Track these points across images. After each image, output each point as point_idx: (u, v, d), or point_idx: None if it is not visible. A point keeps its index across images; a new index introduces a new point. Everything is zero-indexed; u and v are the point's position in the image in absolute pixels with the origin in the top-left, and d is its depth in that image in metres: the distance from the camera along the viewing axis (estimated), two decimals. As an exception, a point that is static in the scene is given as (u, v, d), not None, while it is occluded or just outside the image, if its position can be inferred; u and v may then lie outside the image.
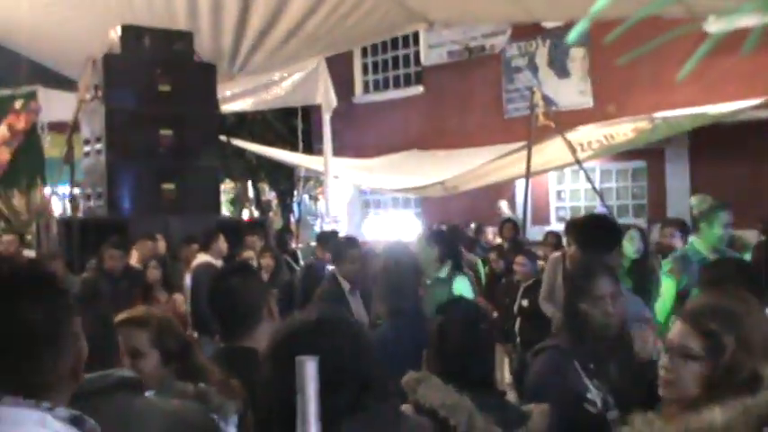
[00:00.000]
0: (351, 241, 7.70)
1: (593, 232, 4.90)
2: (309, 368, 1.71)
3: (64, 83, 14.37)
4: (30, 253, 10.82)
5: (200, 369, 3.22)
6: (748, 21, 1.72)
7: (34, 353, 1.82)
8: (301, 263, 12.55)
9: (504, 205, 16.67)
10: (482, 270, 10.62)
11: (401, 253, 5.15)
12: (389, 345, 4.10)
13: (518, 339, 8.84)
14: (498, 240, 13.13)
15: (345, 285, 6.98)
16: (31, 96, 15.19)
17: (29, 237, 13.01)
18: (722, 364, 2.61)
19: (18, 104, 15.17)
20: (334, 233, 12.91)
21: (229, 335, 3.64)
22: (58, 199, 16.17)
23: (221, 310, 3.68)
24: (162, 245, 10.25)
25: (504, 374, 9.54)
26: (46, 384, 1.84)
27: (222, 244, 9.85)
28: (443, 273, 6.90)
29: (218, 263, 9.74)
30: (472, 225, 14.74)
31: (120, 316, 3.34)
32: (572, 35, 2.92)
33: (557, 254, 7.36)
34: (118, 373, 2.61)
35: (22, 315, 1.82)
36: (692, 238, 6.84)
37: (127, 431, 2.30)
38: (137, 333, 3.25)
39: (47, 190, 14.82)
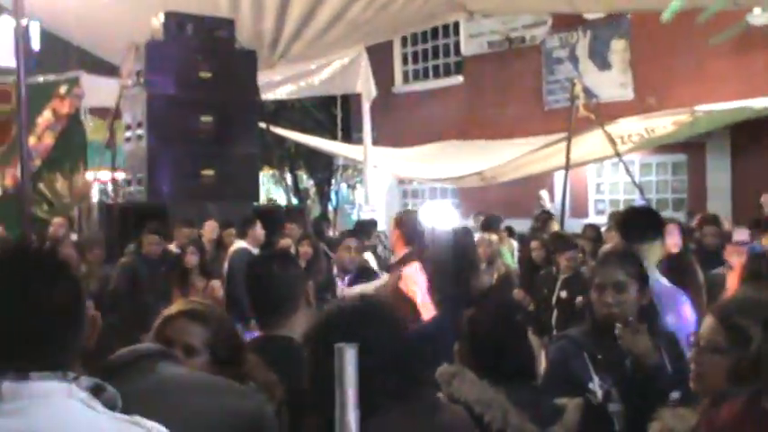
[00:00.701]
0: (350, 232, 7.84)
1: (634, 223, 4.91)
2: (349, 355, 1.73)
3: (107, 69, 14.50)
4: (73, 236, 10.94)
5: (243, 378, 3.01)
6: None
7: (63, 334, 1.92)
8: (338, 251, 12.58)
9: (545, 196, 16.59)
10: (510, 259, 10.55)
11: (454, 241, 5.09)
12: (442, 334, 4.06)
13: (554, 332, 8.76)
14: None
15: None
16: (75, 82, 15.36)
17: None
18: (749, 355, 2.61)
19: (62, 90, 15.35)
20: (373, 222, 12.95)
21: (266, 323, 3.59)
22: (99, 183, 16.32)
23: (259, 296, 3.64)
24: (212, 229, 10.35)
25: (540, 367, 9.49)
26: (69, 360, 1.93)
27: (259, 231, 9.89)
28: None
29: (255, 250, 9.80)
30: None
31: (179, 306, 3.15)
32: (667, 13, 2.95)
33: (610, 246, 7.32)
34: (155, 346, 2.62)
35: (53, 299, 1.91)
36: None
37: (164, 396, 2.33)
38: (195, 328, 3.01)
39: (88, 174, 14.96)
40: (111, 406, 1.92)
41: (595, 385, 3.56)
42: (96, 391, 1.91)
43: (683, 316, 4.48)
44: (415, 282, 6.17)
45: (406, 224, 7.07)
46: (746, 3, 9.57)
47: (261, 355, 3.23)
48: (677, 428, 2.76)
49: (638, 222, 4.93)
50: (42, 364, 1.85)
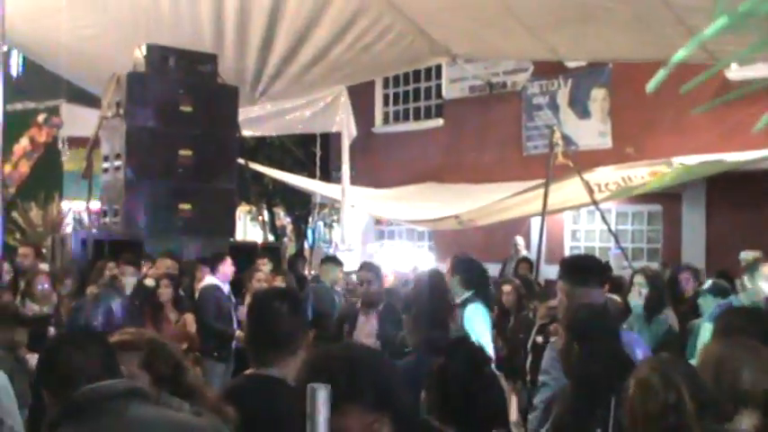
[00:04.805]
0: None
1: (578, 268, 4.98)
2: (320, 396, 1.73)
3: (87, 99, 14.49)
4: (44, 266, 10.83)
5: (192, 392, 3.18)
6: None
7: None
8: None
9: (520, 242, 16.61)
10: None
11: (434, 282, 5.05)
12: (417, 378, 4.01)
13: (528, 377, 8.71)
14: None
15: None
16: (54, 111, 15.34)
17: (44, 250, 13.06)
18: None
19: (41, 118, 15.32)
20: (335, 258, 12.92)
21: (262, 361, 3.50)
22: (75, 214, 16.24)
23: (262, 333, 3.57)
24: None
25: (512, 412, 9.43)
26: None
27: (229, 267, 9.87)
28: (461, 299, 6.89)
29: (225, 286, 9.78)
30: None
31: (112, 339, 3.28)
32: (652, 84, 2.95)
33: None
34: (124, 383, 2.60)
35: None
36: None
37: None
38: (125, 356, 3.18)
39: (64, 204, 14.88)
40: None
41: None
42: None
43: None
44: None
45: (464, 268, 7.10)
46: (726, 57, 9.69)
47: (249, 393, 3.26)
48: None
49: (583, 268, 4.99)
50: None
